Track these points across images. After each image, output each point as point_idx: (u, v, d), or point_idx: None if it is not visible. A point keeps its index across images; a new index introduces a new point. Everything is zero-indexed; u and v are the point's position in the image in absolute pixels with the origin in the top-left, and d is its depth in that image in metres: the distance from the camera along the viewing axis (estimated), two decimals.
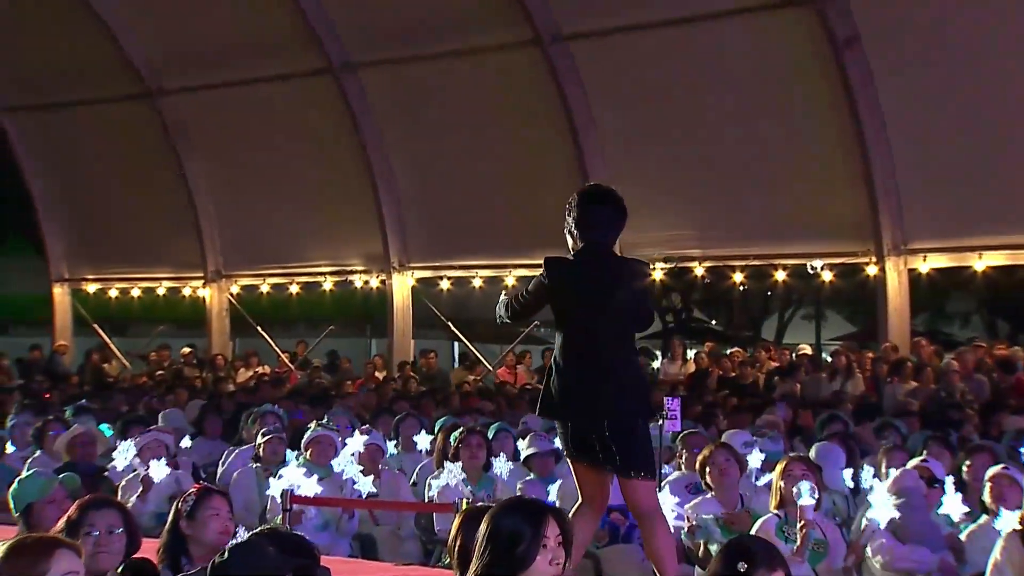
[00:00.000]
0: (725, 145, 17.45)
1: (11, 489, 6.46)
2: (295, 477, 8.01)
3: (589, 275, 6.30)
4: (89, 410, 12.37)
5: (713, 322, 36.02)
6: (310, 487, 8.01)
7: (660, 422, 8.62)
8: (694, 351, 21.09)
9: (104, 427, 11.25)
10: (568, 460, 6.43)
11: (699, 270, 18.68)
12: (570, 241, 6.43)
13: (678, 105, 17.66)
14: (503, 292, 6.91)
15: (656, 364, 20.50)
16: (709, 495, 8.09)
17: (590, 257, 6.34)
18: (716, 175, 17.65)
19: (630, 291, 6.34)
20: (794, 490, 7.14)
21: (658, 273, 18.60)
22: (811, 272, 17.78)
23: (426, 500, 9.11)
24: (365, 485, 8.30)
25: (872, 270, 16.92)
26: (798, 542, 7.01)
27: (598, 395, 6.18)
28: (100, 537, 5.42)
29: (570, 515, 6.41)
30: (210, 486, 6.32)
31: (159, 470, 8.89)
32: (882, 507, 7.46)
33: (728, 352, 18.73)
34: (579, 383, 6.21)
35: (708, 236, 18.09)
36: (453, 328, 21.22)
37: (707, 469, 8.09)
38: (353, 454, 9.17)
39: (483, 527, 4.46)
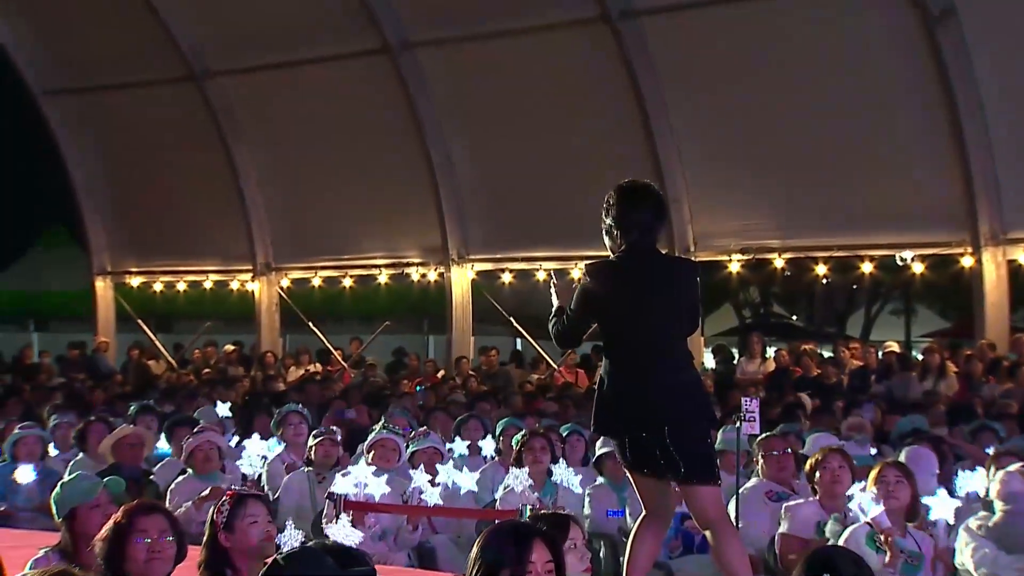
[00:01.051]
0: (807, 128, 17.30)
1: (53, 493, 6.53)
2: (362, 474, 8.00)
3: (636, 278, 6.34)
4: (152, 410, 12.47)
5: (794, 317, 35.80)
6: (378, 486, 8.00)
7: (738, 424, 8.57)
8: (774, 348, 20.94)
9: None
10: (628, 472, 6.46)
11: (779, 262, 18.52)
12: (608, 242, 6.47)
13: (756, 85, 17.53)
14: (552, 292, 6.81)
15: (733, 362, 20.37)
16: (812, 499, 8.01)
17: (635, 258, 6.36)
18: (797, 160, 17.51)
19: (681, 292, 6.41)
20: (856, 505, 7.10)
21: (735, 265, 18.54)
22: (900, 264, 17.59)
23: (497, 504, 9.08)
24: (433, 496, 8.31)
25: (967, 261, 16.72)
26: (888, 554, 6.96)
27: (656, 402, 6.23)
28: (153, 543, 5.47)
29: (634, 529, 6.43)
30: (243, 491, 6.21)
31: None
32: (946, 507, 7.48)
33: (803, 349, 18.58)
34: (635, 391, 6.25)
35: (789, 225, 17.96)
36: (515, 324, 21.22)
37: (817, 473, 8.01)
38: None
39: (475, 547, 4.53)
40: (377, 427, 9.55)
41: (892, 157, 16.91)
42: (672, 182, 17.91)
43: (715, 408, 12.98)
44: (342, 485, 8.00)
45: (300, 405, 11.61)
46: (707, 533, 6.30)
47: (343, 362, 21.74)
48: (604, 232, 6.49)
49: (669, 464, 6.17)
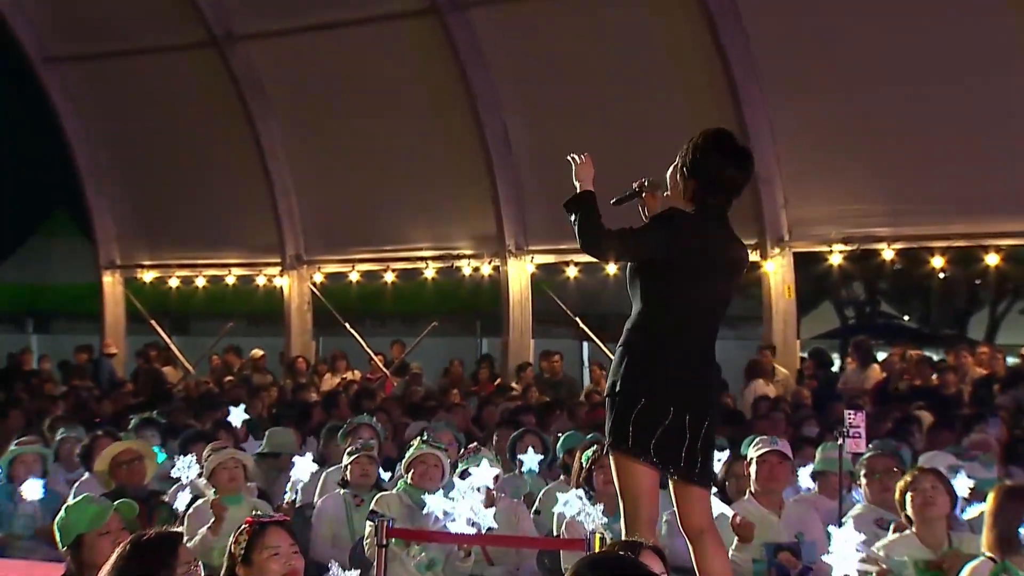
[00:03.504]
0: (921, 97, 17.14)
1: (57, 518, 6.57)
2: (467, 511, 7.96)
3: (716, 244, 6.34)
4: (154, 423, 12.55)
5: (906, 318, 35.57)
6: (488, 519, 7.99)
7: (840, 441, 8.52)
8: (882, 354, 20.81)
9: (156, 448, 11.28)
10: (629, 460, 6.30)
11: (888, 254, 18.41)
12: (680, 187, 6.46)
13: (859, 49, 17.38)
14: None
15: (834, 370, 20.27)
16: (908, 531, 7.96)
17: (716, 223, 6.36)
18: (909, 135, 17.36)
19: (736, 278, 6.50)
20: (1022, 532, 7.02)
21: (836, 257, 18.40)
22: None
23: (554, 533, 9.09)
24: (486, 519, 8.31)
25: None
26: None
27: (709, 388, 6.31)
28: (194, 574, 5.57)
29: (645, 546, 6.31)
30: (263, 517, 6.16)
31: None
32: None
33: (909, 354, 18.44)
34: (690, 371, 6.25)
35: (899, 211, 17.81)
36: (582, 325, 21.18)
37: (907, 497, 7.96)
38: (479, 489, 8.98)
39: None
40: (416, 442, 9.55)
41: (1021, 131, 16.73)
42: (763, 160, 17.75)
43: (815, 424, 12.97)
44: (433, 505, 7.99)
45: (374, 419, 11.71)
46: (696, 541, 6.25)
47: (384, 369, 21.79)
48: (677, 175, 6.48)
49: (691, 462, 6.17)
